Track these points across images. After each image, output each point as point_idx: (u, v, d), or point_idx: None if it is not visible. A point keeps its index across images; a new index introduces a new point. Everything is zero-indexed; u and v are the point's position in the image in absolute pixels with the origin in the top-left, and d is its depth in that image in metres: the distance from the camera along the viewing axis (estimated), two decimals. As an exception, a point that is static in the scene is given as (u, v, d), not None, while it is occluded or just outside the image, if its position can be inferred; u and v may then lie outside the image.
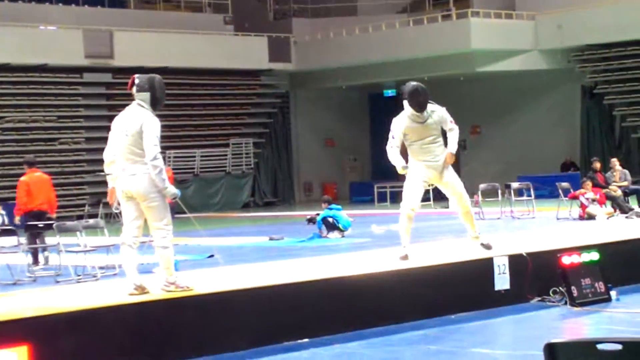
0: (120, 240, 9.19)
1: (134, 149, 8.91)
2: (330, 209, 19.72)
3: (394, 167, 11.14)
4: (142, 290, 8.94)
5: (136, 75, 9.20)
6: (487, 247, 11.13)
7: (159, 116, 9.18)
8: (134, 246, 9.13)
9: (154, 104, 9.09)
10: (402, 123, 11.01)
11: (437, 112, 11.06)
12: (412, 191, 11.06)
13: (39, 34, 30.77)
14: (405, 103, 10.99)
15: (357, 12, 38.56)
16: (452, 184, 11.16)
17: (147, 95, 9.06)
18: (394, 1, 38.84)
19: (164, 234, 9.01)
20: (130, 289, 8.95)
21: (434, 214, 25.41)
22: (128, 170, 8.94)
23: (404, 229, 11.01)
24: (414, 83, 11.06)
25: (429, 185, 11.34)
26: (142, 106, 9.04)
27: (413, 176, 11.06)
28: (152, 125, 8.92)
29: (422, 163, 11.00)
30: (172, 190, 9.03)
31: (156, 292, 9.00)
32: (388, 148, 11.11)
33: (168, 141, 32.30)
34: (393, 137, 11.04)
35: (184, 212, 11.48)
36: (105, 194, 30.57)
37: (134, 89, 9.10)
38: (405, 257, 10.84)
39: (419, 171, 11.03)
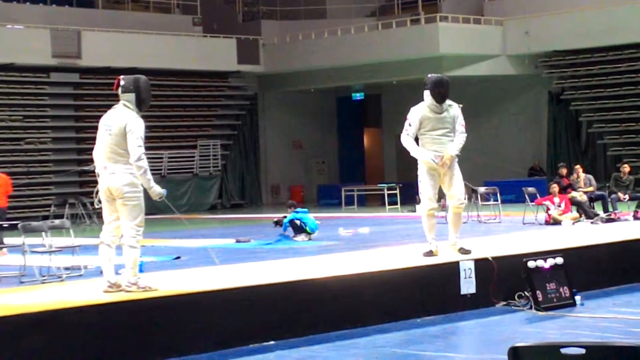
0: (99, 239, 9.26)
1: (116, 148, 9.04)
2: (297, 212, 19.70)
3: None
4: (117, 288, 9.09)
5: (122, 76, 9.32)
6: (466, 251, 11.18)
7: None
8: (112, 245, 9.29)
9: (139, 105, 9.24)
10: (420, 111, 11.22)
11: (454, 107, 11.35)
12: (427, 190, 11.25)
13: (6, 33, 30.54)
14: (427, 93, 11.21)
15: (326, 15, 38.60)
16: (455, 181, 11.31)
17: (132, 96, 9.20)
18: (363, 5, 38.93)
19: (134, 233, 9.07)
20: (105, 286, 9.11)
21: (401, 218, 25.49)
22: (109, 168, 9.10)
23: (426, 227, 11.31)
24: (438, 75, 11.41)
25: (439, 177, 11.34)
26: (128, 107, 9.12)
27: (425, 173, 11.23)
28: (136, 126, 9.03)
29: (432, 153, 11.16)
30: (158, 190, 9.16)
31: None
32: (404, 136, 11.26)
33: (135, 142, 32.12)
34: (410, 125, 11.23)
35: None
36: (71, 194, 30.18)
37: (120, 89, 9.19)
38: (429, 254, 11.15)
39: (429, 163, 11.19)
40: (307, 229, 19.41)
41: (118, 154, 9.05)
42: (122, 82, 9.26)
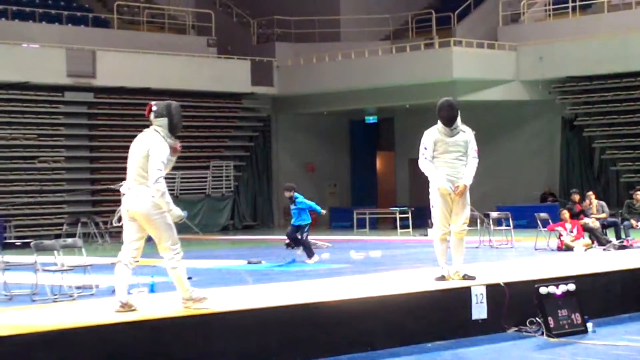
0: (117, 258, 9.33)
1: (140, 171, 9.19)
2: (297, 197, 19.29)
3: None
4: (129, 308, 9.14)
5: (153, 102, 9.50)
6: (470, 278, 11.12)
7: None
8: (129, 266, 9.36)
9: (172, 130, 9.37)
10: (432, 135, 11.22)
11: (467, 132, 11.32)
12: (440, 215, 11.21)
13: (22, 52, 30.71)
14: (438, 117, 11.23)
15: (340, 39, 38.68)
16: (462, 207, 11.24)
17: (164, 120, 9.36)
18: (377, 28, 39.01)
19: (171, 254, 9.24)
20: (116, 306, 9.16)
21: (413, 242, 25.44)
22: (133, 190, 9.23)
23: (439, 252, 11.28)
24: (448, 98, 11.36)
25: (452, 201, 11.25)
26: (158, 132, 9.31)
27: (438, 197, 11.20)
28: (159, 150, 9.16)
29: (445, 176, 11.13)
30: (177, 212, 9.27)
31: (143, 311, 9.02)
32: (422, 161, 11.23)
33: (148, 162, 32.17)
34: (426, 149, 11.20)
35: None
36: (84, 213, 30.24)
37: (152, 115, 9.38)
38: (441, 278, 11.15)
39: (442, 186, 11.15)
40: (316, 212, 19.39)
41: (142, 177, 9.19)
42: (154, 108, 9.41)
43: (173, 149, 9.34)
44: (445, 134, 11.16)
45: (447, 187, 11.07)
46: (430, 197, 11.28)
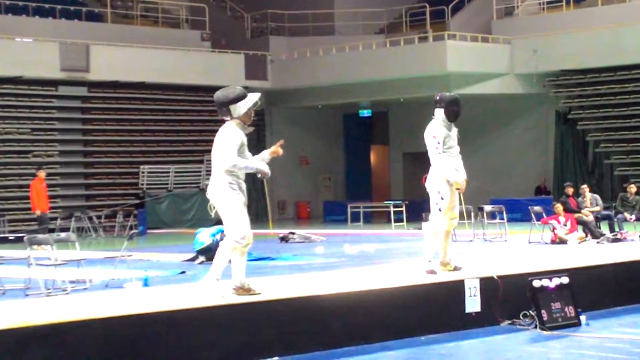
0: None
1: (214, 160, 10.03)
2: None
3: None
4: (246, 291, 9.57)
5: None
6: (457, 269, 11.17)
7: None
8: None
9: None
10: (442, 128, 11.25)
11: (454, 127, 11.43)
12: (449, 207, 11.28)
13: (15, 46, 30.64)
14: (439, 111, 11.26)
15: (334, 32, 38.64)
16: (457, 200, 11.45)
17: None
18: (371, 22, 39.00)
19: (226, 240, 9.74)
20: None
21: (407, 235, 25.45)
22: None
23: (433, 245, 11.30)
24: (452, 94, 11.44)
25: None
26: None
27: (449, 190, 11.30)
28: (222, 138, 10.10)
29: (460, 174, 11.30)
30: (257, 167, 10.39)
31: (137, 305, 9.00)
32: (438, 155, 11.23)
33: (142, 156, 32.25)
34: (439, 143, 11.20)
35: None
36: (77, 207, 30.15)
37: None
38: (432, 272, 11.16)
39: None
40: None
41: (215, 164, 10.03)
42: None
43: None
44: (447, 128, 11.24)
45: (461, 180, 11.18)
46: (439, 190, 11.26)
